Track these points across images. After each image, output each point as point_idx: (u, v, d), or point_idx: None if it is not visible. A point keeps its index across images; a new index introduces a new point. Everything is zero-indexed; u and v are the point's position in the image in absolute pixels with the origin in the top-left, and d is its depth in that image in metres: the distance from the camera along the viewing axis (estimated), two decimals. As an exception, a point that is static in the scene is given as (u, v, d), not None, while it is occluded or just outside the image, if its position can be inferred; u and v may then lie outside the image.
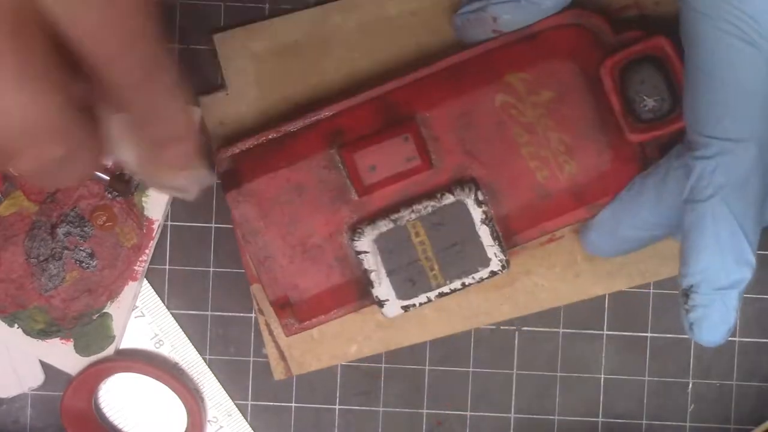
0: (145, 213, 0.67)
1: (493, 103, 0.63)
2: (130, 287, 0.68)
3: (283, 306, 0.64)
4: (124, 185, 0.66)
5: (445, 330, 0.67)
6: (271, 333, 0.68)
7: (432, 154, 0.63)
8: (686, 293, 0.56)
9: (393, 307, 0.63)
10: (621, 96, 0.62)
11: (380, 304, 0.63)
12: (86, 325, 0.68)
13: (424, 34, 0.66)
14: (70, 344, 0.68)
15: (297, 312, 0.64)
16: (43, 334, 0.68)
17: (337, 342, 0.68)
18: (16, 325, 0.68)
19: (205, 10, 0.68)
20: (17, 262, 0.68)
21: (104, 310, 0.68)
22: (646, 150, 0.63)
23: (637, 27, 0.63)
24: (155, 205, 0.67)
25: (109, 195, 0.67)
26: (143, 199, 0.67)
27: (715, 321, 0.55)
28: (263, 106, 0.67)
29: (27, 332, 0.68)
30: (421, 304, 0.63)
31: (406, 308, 0.63)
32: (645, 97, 0.62)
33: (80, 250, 0.68)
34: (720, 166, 0.54)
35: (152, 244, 0.68)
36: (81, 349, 0.68)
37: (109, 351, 0.68)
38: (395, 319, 0.67)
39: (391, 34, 0.66)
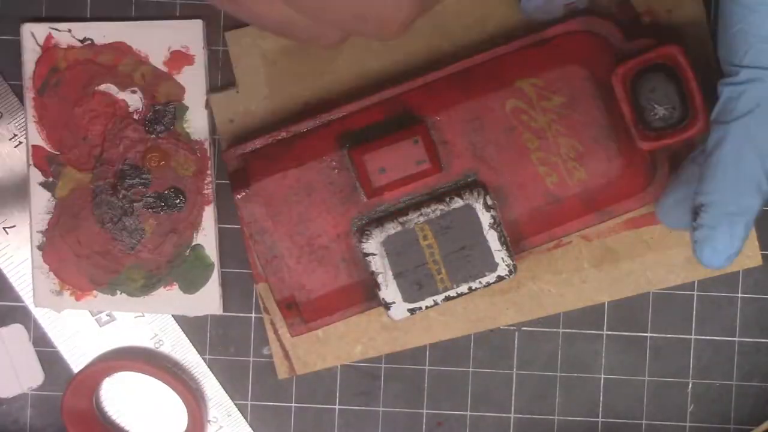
0: (192, 137, 0.67)
1: (503, 108, 0.64)
2: (208, 212, 0.67)
3: (289, 306, 0.64)
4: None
5: (449, 333, 0.68)
6: (275, 332, 0.68)
7: (442, 158, 0.63)
8: (697, 210, 0.57)
9: (399, 309, 0.63)
10: (632, 103, 0.62)
11: (386, 306, 0.63)
12: (182, 263, 0.67)
13: (435, 37, 0.66)
14: (175, 287, 0.67)
15: (303, 312, 0.64)
16: (146, 289, 0.67)
17: (342, 342, 0.68)
18: (118, 292, 0.67)
19: (205, 10, 0.67)
20: (94, 233, 0.67)
21: (194, 243, 0.67)
22: (656, 157, 0.64)
23: (650, 34, 0.64)
24: (197, 126, 0.67)
25: (151, 135, 0.66)
26: (185, 125, 0.66)
27: (718, 245, 0.56)
28: (273, 105, 0.66)
29: (131, 294, 0.67)
30: (427, 307, 0.63)
31: (412, 311, 0.63)
32: (656, 105, 0.62)
33: (147, 197, 0.67)
34: (747, 92, 0.56)
35: (211, 163, 0.67)
36: (186, 288, 0.67)
37: (213, 278, 0.67)
38: (401, 322, 0.67)
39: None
